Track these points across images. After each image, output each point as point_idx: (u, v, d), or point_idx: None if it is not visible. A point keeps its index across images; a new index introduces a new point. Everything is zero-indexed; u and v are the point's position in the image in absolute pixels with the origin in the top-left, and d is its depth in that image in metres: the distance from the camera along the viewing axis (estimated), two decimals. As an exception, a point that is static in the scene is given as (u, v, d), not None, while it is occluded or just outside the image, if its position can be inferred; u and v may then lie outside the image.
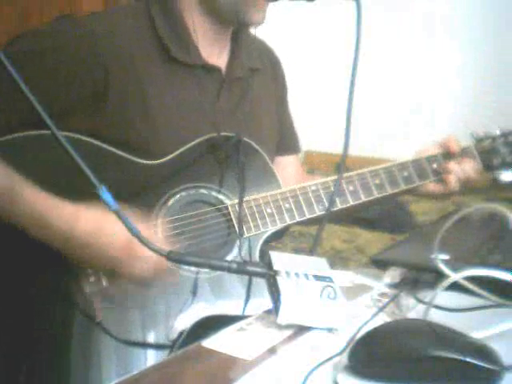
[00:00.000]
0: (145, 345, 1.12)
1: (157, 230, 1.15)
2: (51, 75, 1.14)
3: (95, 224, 1.05)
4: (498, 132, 1.42)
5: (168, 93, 1.21)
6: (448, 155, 1.38)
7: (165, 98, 1.20)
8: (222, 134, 1.22)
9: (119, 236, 1.04)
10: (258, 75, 1.35)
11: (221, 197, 1.22)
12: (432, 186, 1.38)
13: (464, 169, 1.37)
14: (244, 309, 1.09)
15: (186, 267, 1.15)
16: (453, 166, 1.36)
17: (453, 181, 1.36)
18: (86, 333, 1.10)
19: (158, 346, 1.12)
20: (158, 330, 1.12)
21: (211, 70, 1.26)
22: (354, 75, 1.12)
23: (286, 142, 1.46)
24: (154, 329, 1.13)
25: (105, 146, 1.15)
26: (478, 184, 1.42)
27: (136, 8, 1.25)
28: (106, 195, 0.84)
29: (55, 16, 1.22)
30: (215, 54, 1.28)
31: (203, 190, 1.21)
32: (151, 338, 1.12)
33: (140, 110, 1.18)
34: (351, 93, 1.12)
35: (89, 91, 1.15)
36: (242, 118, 1.27)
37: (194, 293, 1.15)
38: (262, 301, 0.96)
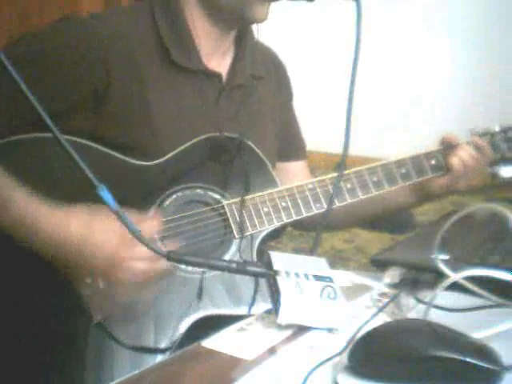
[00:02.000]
0: (151, 350, 1.12)
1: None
2: (53, 74, 1.14)
3: (84, 230, 1.05)
4: (497, 128, 1.42)
5: (168, 95, 1.20)
6: (449, 149, 1.38)
7: (165, 100, 1.20)
8: (224, 134, 1.22)
9: (107, 241, 1.04)
10: (262, 82, 1.35)
11: (217, 196, 1.22)
12: (440, 181, 1.37)
13: (469, 153, 1.36)
14: (250, 309, 1.09)
15: (191, 268, 1.15)
16: (456, 150, 1.36)
17: (456, 163, 1.34)
18: (90, 338, 1.10)
19: (163, 350, 1.12)
20: (164, 333, 1.13)
21: (211, 75, 1.25)
22: (354, 75, 1.12)
23: (293, 148, 1.45)
24: (161, 332, 1.13)
25: (101, 147, 1.15)
26: (479, 182, 1.42)
27: (138, 9, 1.24)
28: (106, 195, 0.84)
29: (58, 17, 1.21)
30: (217, 59, 1.27)
31: (199, 190, 1.21)
32: (159, 342, 1.12)
33: (140, 112, 1.17)
34: (351, 92, 1.12)
35: (90, 91, 1.15)
36: (242, 123, 1.27)
37: (200, 295, 1.15)
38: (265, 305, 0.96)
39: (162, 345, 1.12)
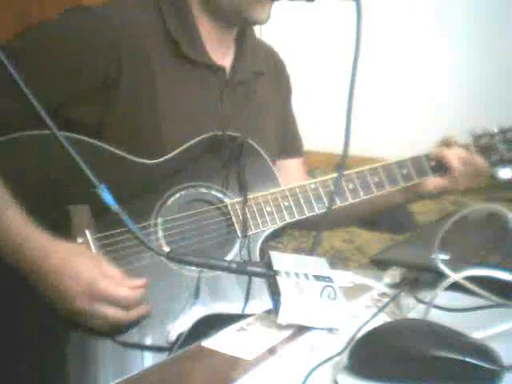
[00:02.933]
0: (143, 347, 1.11)
1: (156, 229, 1.15)
2: (63, 61, 1.14)
3: (61, 263, 1.04)
4: (495, 129, 1.42)
5: (176, 86, 1.21)
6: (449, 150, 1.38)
7: (173, 91, 1.20)
8: (227, 132, 1.22)
9: (80, 279, 1.03)
10: (262, 79, 1.35)
11: (220, 195, 1.21)
12: (439, 181, 1.37)
13: (469, 155, 1.37)
14: (244, 308, 1.09)
15: (189, 267, 1.14)
16: (456, 152, 1.36)
17: (456, 165, 1.35)
18: (84, 334, 1.10)
19: (156, 349, 1.11)
20: (156, 332, 1.12)
21: (216, 69, 1.26)
22: (353, 75, 1.12)
23: (290, 145, 1.46)
24: (153, 331, 1.12)
25: (103, 145, 1.15)
26: (478, 182, 1.42)
27: (143, 3, 1.24)
28: (105, 195, 0.84)
29: (68, 7, 1.21)
30: (220, 54, 1.28)
31: (203, 189, 1.21)
32: (149, 339, 1.11)
33: (149, 101, 1.18)
34: (351, 93, 1.12)
35: (100, 79, 1.15)
36: (245, 121, 1.27)
37: (197, 294, 1.14)
38: (260, 303, 0.96)
39: (150, 341, 1.11)
